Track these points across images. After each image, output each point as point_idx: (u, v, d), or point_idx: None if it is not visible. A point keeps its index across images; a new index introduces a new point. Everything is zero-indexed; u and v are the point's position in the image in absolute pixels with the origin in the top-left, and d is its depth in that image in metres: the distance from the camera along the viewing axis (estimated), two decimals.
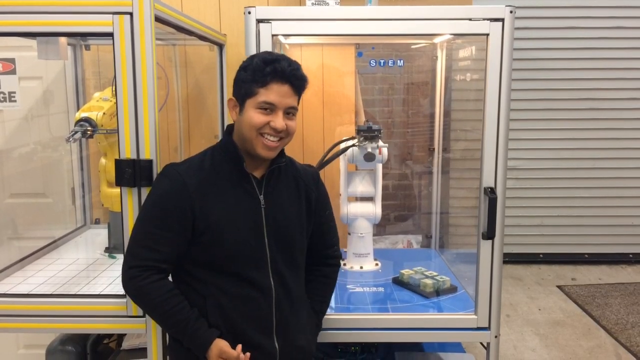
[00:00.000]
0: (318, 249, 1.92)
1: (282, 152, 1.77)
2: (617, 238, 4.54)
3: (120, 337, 2.56)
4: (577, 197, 4.48)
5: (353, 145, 2.45)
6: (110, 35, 1.77)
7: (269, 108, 1.64)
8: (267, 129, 1.65)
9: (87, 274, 2.29)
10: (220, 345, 1.65)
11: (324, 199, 1.92)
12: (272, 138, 1.66)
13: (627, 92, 4.39)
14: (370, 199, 2.67)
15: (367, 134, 2.36)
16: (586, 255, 4.56)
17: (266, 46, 1.95)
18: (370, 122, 2.42)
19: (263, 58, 1.64)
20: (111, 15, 1.76)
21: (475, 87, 2.46)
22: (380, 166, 2.60)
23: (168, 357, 1.88)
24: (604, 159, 4.44)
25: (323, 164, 2.46)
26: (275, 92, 1.63)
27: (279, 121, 1.64)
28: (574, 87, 4.37)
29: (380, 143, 2.47)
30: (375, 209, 2.63)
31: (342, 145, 2.51)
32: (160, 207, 1.67)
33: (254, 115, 1.64)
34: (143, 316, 1.91)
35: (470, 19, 1.97)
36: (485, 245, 2.07)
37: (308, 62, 2.97)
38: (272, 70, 1.61)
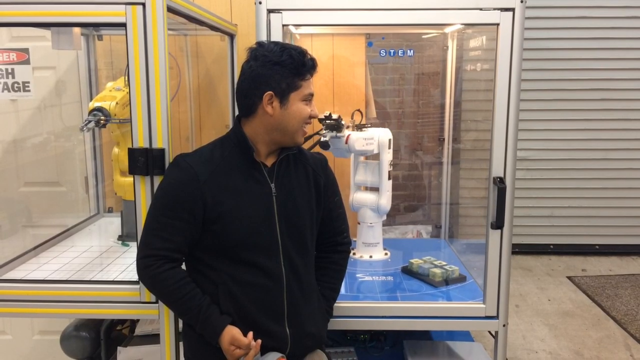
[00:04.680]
0: (328, 235, 1.94)
1: None
2: (628, 229, 4.51)
3: (134, 323, 2.60)
4: (588, 187, 4.46)
5: (316, 133, 2.42)
6: (123, 25, 1.79)
7: (310, 99, 1.74)
8: (308, 118, 1.75)
9: (101, 261, 2.32)
10: (232, 332, 1.68)
11: (332, 185, 1.94)
12: (307, 126, 1.77)
13: (639, 82, 4.34)
14: (376, 189, 2.65)
15: (328, 122, 2.37)
16: (597, 246, 4.54)
17: (277, 36, 1.96)
18: (330, 112, 2.41)
19: (298, 51, 1.70)
20: (124, 5, 1.78)
21: (486, 77, 2.46)
22: (386, 157, 2.56)
23: (182, 343, 1.91)
24: (615, 149, 4.40)
25: None
26: (311, 84, 1.75)
27: (316, 109, 1.78)
28: (586, 77, 4.33)
29: (350, 132, 2.45)
30: (378, 200, 2.60)
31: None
32: (172, 197, 1.69)
33: (302, 108, 1.72)
34: (156, 302, 1.94)
35: (480, 9, 1.97)
36: (494, 234, 2.07)
37: (318, 52, 2.97)
38: (310, 63, 1.71)
